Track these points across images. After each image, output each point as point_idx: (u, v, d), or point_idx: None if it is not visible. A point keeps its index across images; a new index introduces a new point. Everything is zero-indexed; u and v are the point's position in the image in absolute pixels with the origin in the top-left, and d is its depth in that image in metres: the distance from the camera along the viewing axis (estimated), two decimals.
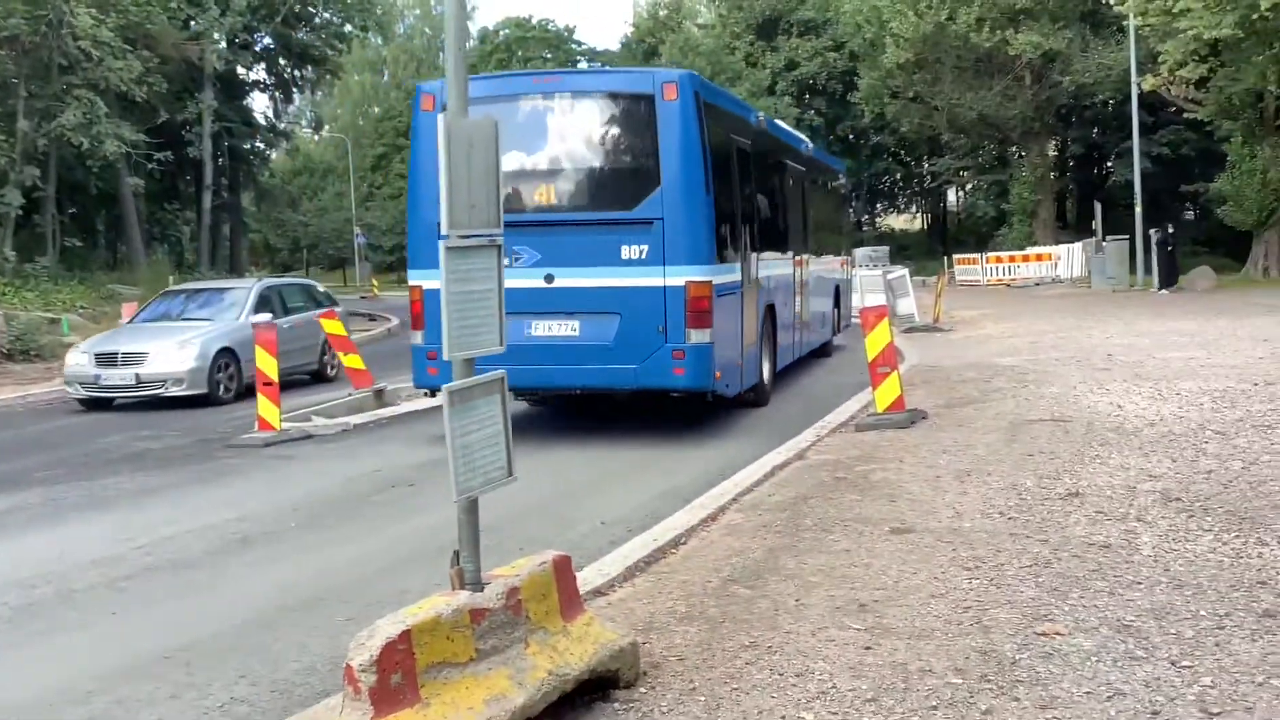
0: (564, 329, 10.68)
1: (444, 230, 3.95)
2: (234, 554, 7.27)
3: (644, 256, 10.38)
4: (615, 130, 10.95)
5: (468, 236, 4.03)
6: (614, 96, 10.99)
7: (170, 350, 15.24)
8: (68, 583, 6.67)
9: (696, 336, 10.37)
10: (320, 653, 5.29)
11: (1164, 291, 27.99)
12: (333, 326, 15.46)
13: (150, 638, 5.63)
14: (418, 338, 10.96)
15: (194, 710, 4.65)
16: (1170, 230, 30.30)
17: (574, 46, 68.60)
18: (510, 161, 10.19)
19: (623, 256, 10.42)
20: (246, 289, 17.61)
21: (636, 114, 10.69)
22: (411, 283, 10.93)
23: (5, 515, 8.66)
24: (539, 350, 10.50)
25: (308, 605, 6.11)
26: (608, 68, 10.83)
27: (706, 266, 10.49)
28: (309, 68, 39.26)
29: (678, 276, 10.33)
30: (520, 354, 8.96)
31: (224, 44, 31.82)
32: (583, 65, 60.26)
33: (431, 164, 9.32)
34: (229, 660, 5.24)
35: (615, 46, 68.27)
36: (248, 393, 14.25)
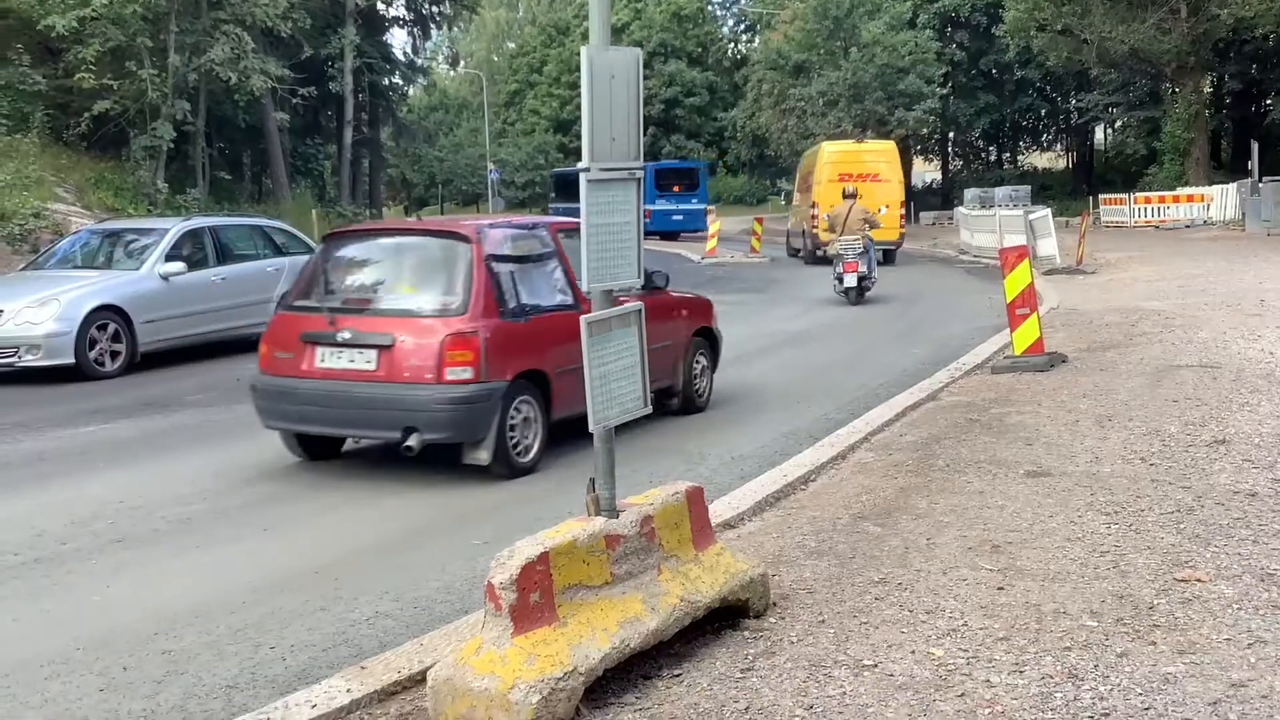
0: None
1: (584, 163, 3.99)
2: (377, 480, 7.53)
3: None
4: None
5: (608, 170, 4.07)
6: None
7: (24, 309, 11.75)
8: (222, 501, 7.00)
9: None
10: (458, 573, 5.48)
11: None
12: None
13: (299, 554, 5.90)
14: None
15: (342, 623, 4.87)
16: None
17: None
18: None
19: None
20: (164, 231, 13.58)
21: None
22: None
23: (162, 436, 9.10)
24: None
25: (445, 529, 6.32)
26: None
27: None
28: (446, 3, 39.62)
29: None
30: None
31: None
32: None
33: None
34: (373, 577, 5.46)
35: None
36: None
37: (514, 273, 7.74)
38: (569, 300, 7.98)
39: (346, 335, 7.36)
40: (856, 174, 23.99)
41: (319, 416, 7.48)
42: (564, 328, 7.00)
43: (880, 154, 25.65)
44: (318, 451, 8.01)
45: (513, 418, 7.36)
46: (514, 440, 7.38)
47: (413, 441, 7.07)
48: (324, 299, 7.80)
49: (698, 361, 9.56)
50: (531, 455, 7.55)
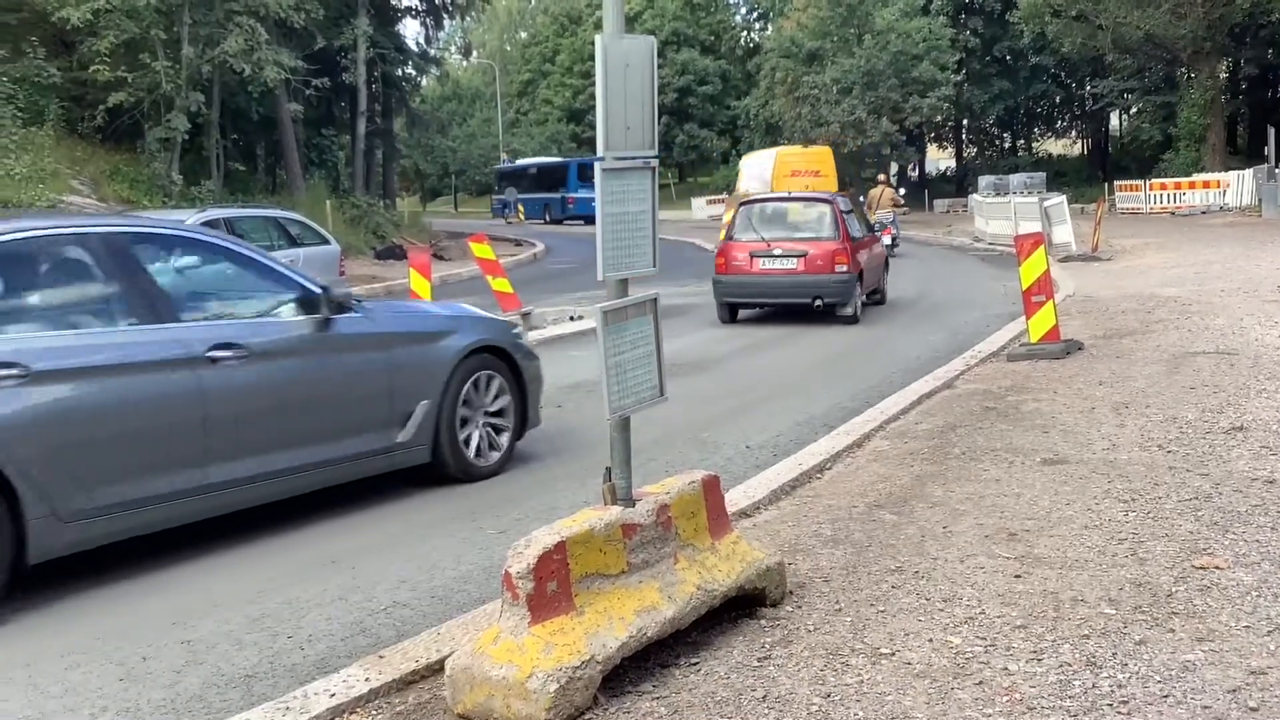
0: None
1: (600, 152, 3.98)
2: (392, 471, 7.52)
3: None
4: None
5: (623, 158, 4.06)
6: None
7: None
8: None
9: None
10: (474, 563, 5.49)
11: None
12: (481, 250, 15.75)
13: (316, 544, 5.91)
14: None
15: (359, 612, 4.88)
16: None
17: None
18: None
19: None
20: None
21: None
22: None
23: None
24: None
25: (460, 519, 6.33)
26: None
27: None
28: None
29: None
30: None
31: None
32: None
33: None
34: (389, 568, 5.47)
35: None
36: None
37: (848, 219, 14.84)
38: (862, 235, 15.49)
39: (778, 251, 14.39)
40: (804, 170, 30.28)
41: (762, 293, 14.71)
42: (863, 248, 14.98)
43: (819, 156, 32.43)
44: (732, 319, 14.88)
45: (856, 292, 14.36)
46: (858, 305, 14.35)
47: (819, 303, 14.07)
48: (756, 233, 14.69)
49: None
50: (860, 314, 14.47)
